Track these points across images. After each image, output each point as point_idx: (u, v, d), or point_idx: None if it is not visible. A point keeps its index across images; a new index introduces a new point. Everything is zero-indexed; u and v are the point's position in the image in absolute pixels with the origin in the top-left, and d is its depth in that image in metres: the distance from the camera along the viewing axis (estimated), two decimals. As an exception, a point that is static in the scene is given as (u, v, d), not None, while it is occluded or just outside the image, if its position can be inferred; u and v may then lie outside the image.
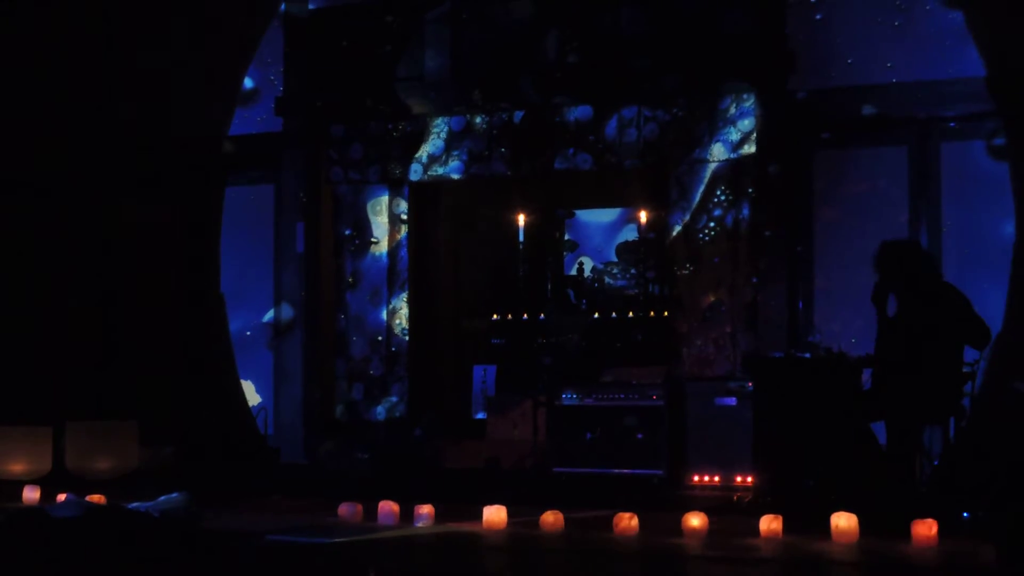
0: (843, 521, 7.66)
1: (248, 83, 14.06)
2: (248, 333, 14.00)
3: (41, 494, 9.85)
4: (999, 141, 11.49)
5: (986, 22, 11.20)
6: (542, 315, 12.71)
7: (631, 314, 12.60)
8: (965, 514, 8.09)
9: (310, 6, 13.89)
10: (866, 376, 9.89)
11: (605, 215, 13.95)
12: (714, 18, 12.27)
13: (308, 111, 13.90)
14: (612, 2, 12.62)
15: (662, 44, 12.46)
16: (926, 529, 7.51)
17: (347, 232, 13.83)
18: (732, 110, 12.23)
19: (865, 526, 7.69)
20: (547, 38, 12.94)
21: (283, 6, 13.99)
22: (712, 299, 12.32)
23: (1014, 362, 10.60)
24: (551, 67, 12.89)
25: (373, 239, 13.74)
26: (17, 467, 11.03)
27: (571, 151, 12.88)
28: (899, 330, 9.49)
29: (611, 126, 12.72)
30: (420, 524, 8.35)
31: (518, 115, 13.10)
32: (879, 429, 9.59)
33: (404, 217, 13.79)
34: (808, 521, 8.06)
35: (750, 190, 12.17)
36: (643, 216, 12.78)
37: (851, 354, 10.19)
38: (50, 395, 12.67)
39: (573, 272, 13.72)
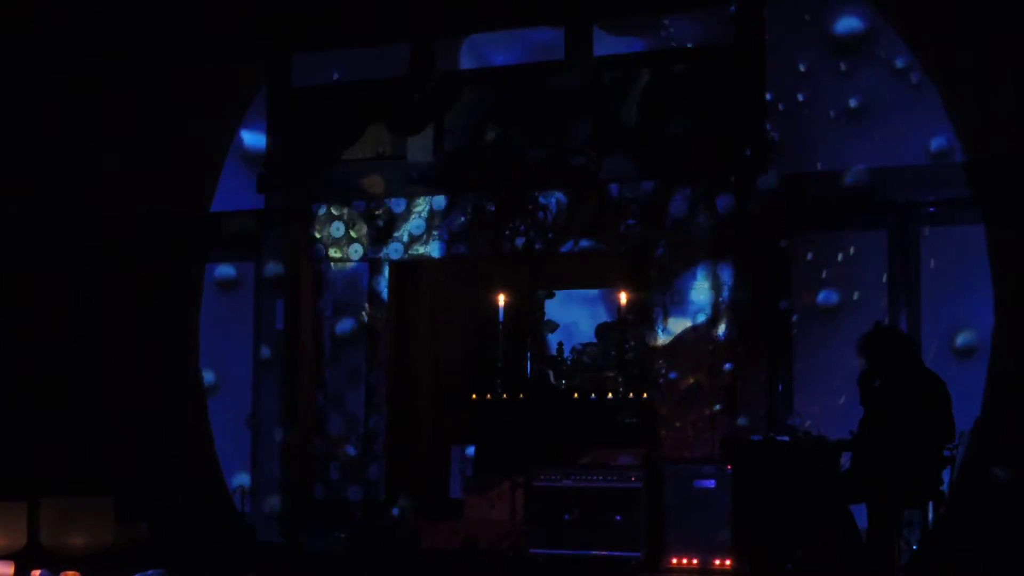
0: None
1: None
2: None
3: (15, 570, 9.77)
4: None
5: (962, 103, 11.32)
6: (521, 395, 12.69)
7: (610, 395, 12.58)
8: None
9: (294, 84, 13.93)
10: (845, 459, 9.88)
11: (585, 296, 13.97)
12: (693, 106, 12.37)
13: (290, 189, 13.91)
14: (593, 92, 12.74)
15: (641, 130, 12.57)
16: (906, 613, 7.49)
17: (327, 310, 13.79)
18: (712, 194, 12.29)
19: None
20: (530, 122, 13.03)
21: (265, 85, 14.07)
22: (691, 381, 12.31)
23: (993, 447, 10.62)
24: (532, 150, 12.95)
25: (353, 317, 13.71)
26: (-10, 542, 10.95)
27: (551, 233, 12.92)
28: (880, 414, 9.49)
29: (591, 208, 12.76)
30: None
31: (500, 196, 13.14)
32: (859, 512, 9.56)
33: (384, 296, 13.76)
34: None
35: (730, 273, 12.19)
36: (623, 297, 12.81)
37: (830, 437, 10.20)
38: (25, 470, 12.60)
39: (553, 352, 13.71)
